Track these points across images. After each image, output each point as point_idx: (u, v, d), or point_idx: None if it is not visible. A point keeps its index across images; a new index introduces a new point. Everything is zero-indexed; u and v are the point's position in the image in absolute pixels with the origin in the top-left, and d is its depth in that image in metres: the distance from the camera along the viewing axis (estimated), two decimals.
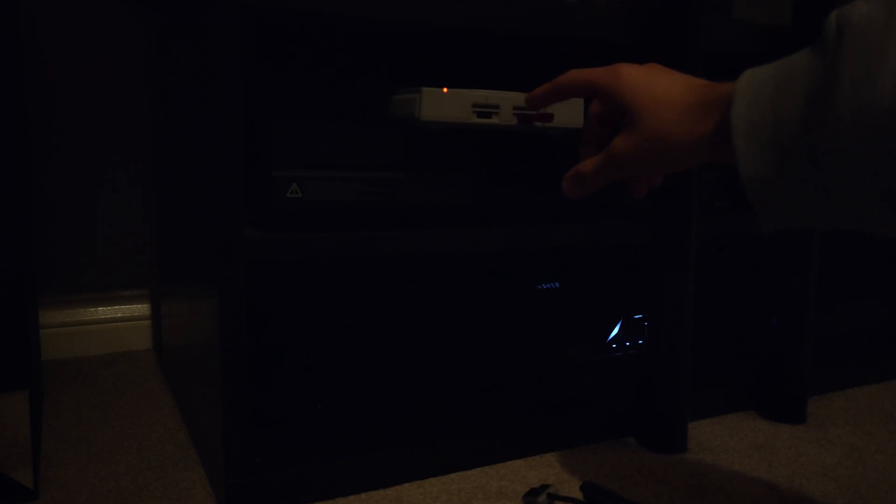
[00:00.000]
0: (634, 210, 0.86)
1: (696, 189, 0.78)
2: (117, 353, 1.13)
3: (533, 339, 0.93)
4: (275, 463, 0.68)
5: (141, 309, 1.16)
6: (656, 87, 0.51)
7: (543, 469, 0.75)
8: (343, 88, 0.99)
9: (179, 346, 0.91)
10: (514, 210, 0.89)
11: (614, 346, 0.98)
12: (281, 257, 0.64)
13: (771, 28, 0.86)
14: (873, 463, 0.79)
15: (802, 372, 0.90)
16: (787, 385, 0.90)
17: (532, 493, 0.67)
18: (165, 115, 0.96)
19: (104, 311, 1.14)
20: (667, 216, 0.78)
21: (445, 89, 0.67)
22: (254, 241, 0.63)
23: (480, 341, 0.90)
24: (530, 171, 0.94)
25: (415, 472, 0.73)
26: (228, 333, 0.62)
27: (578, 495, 0.69)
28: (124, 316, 1.15)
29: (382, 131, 0.70)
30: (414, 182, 0.71)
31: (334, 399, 0.80)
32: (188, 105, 0.75)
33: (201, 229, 0.70)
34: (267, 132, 0.67)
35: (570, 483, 0.72)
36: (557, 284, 0.96)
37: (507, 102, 0.70)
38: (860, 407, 0.96)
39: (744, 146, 0.43)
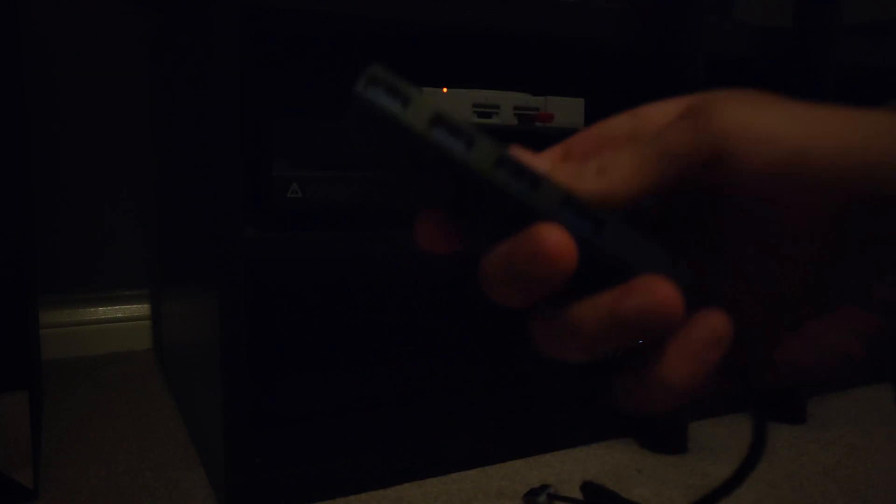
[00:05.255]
0: None
1: None
2: (117, 353, 1.13)
3: None
4: (275, 463, 0.68)
5: (141, 309, 1.16)
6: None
7: (543, 469, 0.75)
8: (343, 88, 0.99)
9: (179, 346, 0.91)
10: None
11: None
12: (281, 257, 0.64)
13: (771, 30, 0.86)
14: (874, 463, 0.79)
15: None
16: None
17: (532, 493, 0.67)
18: (166, 114, 0.96)
19: (104, 311, 1.14)
20: None
21: (445, 89, 0.67)
22: (254, 240, 0.63)
23: (481, 341, 0.90)
24: None
25: (415, 472, 0.73)
26: (228, 333, 0.62)
27: (578, 495, 0.69)
28: (124, 316, 1.15)
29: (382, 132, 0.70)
30: (413, 182, 0.71)
31: (334, 399, 0.80)
32: (188, 105, 0.75)
33: (201, 229, 0.70)
34: (267, 132, 0.67)
35: (570, 483, 0.72)
36: None
37: (507, 102, 0.70)
38: (860, 407, 0.96)
39: None
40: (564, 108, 0.72)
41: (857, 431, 0.88)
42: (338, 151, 0.68)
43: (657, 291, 0.22)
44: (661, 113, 0.26)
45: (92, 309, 1.13)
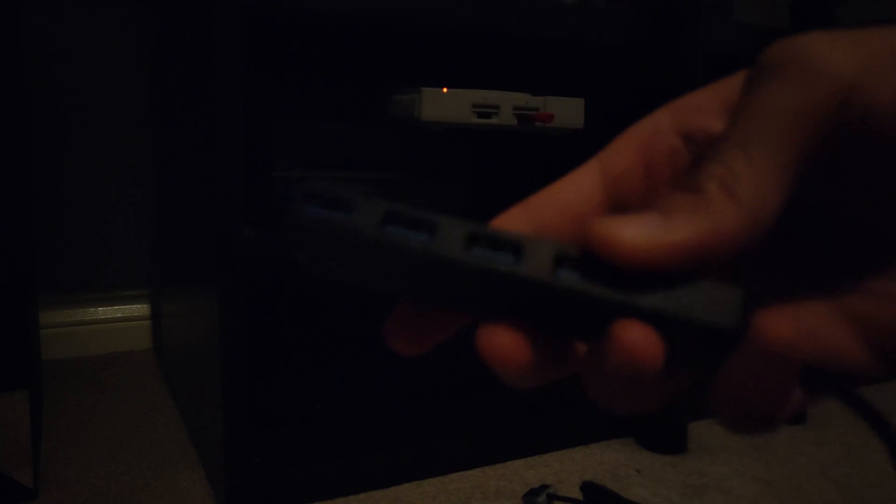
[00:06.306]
0: None
1: None
2: (117, 353, 1.13)
3: None
4: (275, 463, 0.68)
5: (141, 309, 1.16)
6: None
7: (542, 469, 0.76)
8: (343, 89, 0.99)
9: (179, 346, 0.91)
10: None
11: None
12: (281, 257, 0.64)
13: (770, 29, 0.86)
14: (871, 463, 0.79)
15: None
16: None
17: (531, 494, 0.67)
18: (166, 115, 0.96)
19: (104, 311, 1.14)
20: None
21: (445, 89, 0.67)
22: (254, 241, 0.63)
23: None
24: (530, 171, 0.94)
25: (414, 473, 0.73)
26: (228, 333, 0.63)
27: (578, 495, 0.69)
28: (124, 316, 1.15)
29: (382, 132, 0.70)
30: (413, 182, 0.72)
31: (334, 399, 0.81)
32: (188, 105, 0.75)
33: (201, 229, 0.70)
34: (267, 132, 0.67)
35: (569, 483, 0.72)
36: None
37: (507, 102, 0.70)
38: None
39: None
40: (564, 108, 0.72)
41: (854, 431, 0.88)
42: (338, 151, 0.68)
43: (626, 340, 0.17)
44: (703, 100, 0.21)
45: (92, 309, 1.13)
